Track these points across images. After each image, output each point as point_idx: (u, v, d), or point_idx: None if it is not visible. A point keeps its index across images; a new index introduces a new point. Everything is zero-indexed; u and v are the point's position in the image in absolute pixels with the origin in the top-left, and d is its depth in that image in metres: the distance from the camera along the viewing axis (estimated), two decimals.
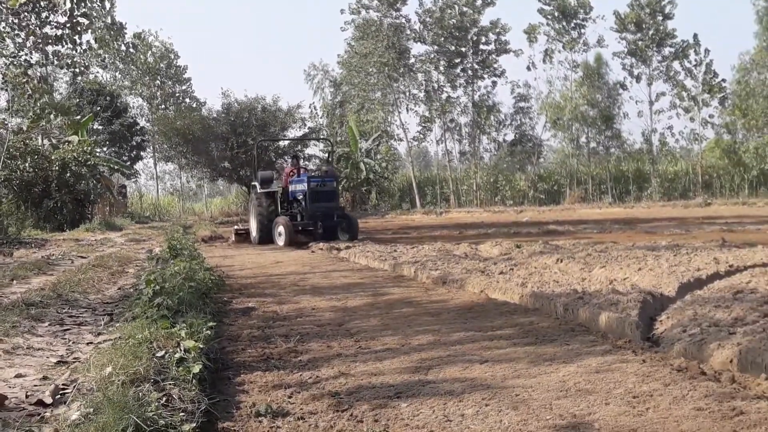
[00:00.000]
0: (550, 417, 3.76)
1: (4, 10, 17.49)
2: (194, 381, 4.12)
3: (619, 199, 46.88)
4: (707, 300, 6.40)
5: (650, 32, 47.89)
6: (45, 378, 4.42)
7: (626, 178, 49.16)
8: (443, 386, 4.40)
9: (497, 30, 49.82)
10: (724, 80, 47.04)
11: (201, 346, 4.78)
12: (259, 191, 19.70)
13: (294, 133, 49.00)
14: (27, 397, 3.97)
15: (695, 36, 47.82)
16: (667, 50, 48.26)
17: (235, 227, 22.55)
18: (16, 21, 18.35)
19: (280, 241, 18.11)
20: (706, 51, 47.09)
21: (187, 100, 53.89)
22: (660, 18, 47.68)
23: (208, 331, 5.30)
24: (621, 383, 4.31)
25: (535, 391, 4.23)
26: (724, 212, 29.97)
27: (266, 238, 18.93)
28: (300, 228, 18.67)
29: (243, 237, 20.71)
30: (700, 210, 33.60)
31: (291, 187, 19.51)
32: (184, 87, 54.49)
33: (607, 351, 5.15)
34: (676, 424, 3.59)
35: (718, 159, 47.61)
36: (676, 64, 48.17)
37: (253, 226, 19.98)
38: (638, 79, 49.14)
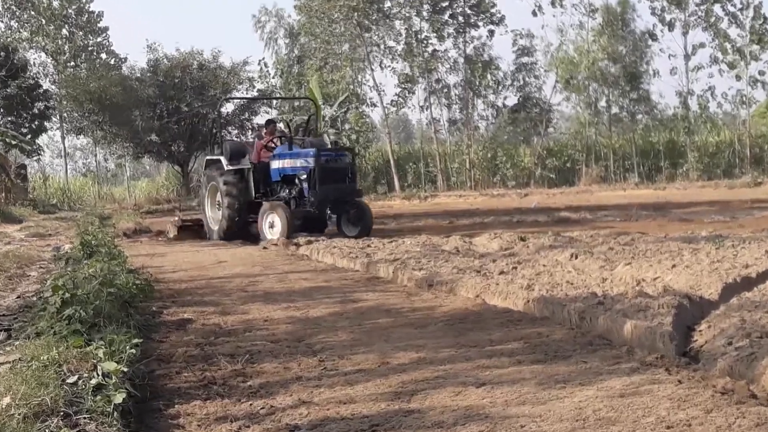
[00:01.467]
0: None
1: None
2: (116, 414, 4.09)
3: (647, 178, 47.07)
4: (758, 304, 6.44)
5: None
6: None
7: (657, 151, 49.37)
8: (431, 416, 4.41)
9: None
10: None
11: (124, 369, 4.75)
12: (226, 168, 18.47)
13: (239, 96, 48.74)
14: None
15: None
16: None
17: (178, 217, 21.73)
18: None
19: (272, 234, 16.93)
20: None
21: (104, 55, 53.22)
22: None
23: (133, 350, 5.28)
24: (651, 410, 4.33)
25: (545, 421, 4.25)
26: None
27: (237, 231, 18.20)
28: (300, 217, 17.77)
29: (191, 231, 19.88)
30: (748, 191, 33.84)
31: (277, 163, 18.28)
32: (99, 39, 53.74)
33: (634, 369, 5.17)
34: None
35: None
36: (717, 8, 48.37)
37: (211, 217, 19.22)
38: (671, 27, 49.28)
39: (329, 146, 20.36)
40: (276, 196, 18.02)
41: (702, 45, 48.88)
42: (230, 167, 18.36)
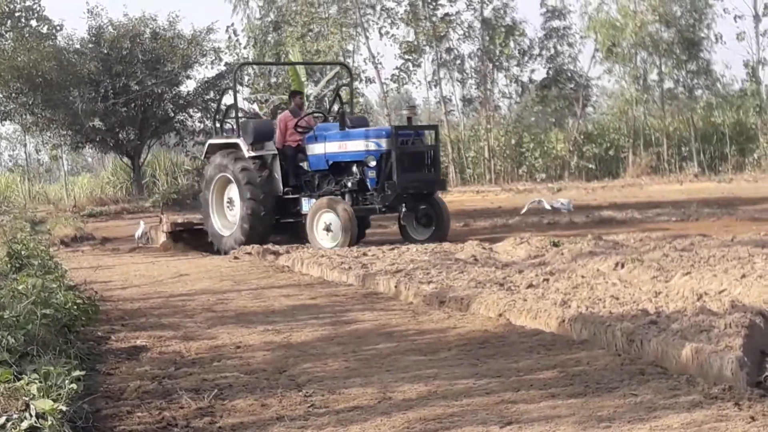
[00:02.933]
0: None
1: None
2: None
3: (710, 168, 47.10)
4: None
5: None
6: None
7: (721, 135, 49.32)
8: None
9: None
10: None
11: (63, 408, 4.74)
12: (248, 154, 17.07)
13: (203, 72, 48.79)
14: None
15: None
16: None
17: (163, 219, 20.20)
18: None
19: (329, 241, 15.78)
20: None
21: (34, 23, 53.26)
22: None
23: (74, 385, 5.27)
24: None
25: None
26: None
27: (263, 235, 16.86)
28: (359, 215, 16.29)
29: (185, 237, 18.79)
30: None
31: (320, 147, 16.91)
32: (28, 2, 53.91)
33: (696, 404, 5.17)
34: None
35: None
36: None
37: (218, 220, 17.91)
38: None
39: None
40: (320, 191, 16.77)
41: None
42: (252, 153, 17.01)
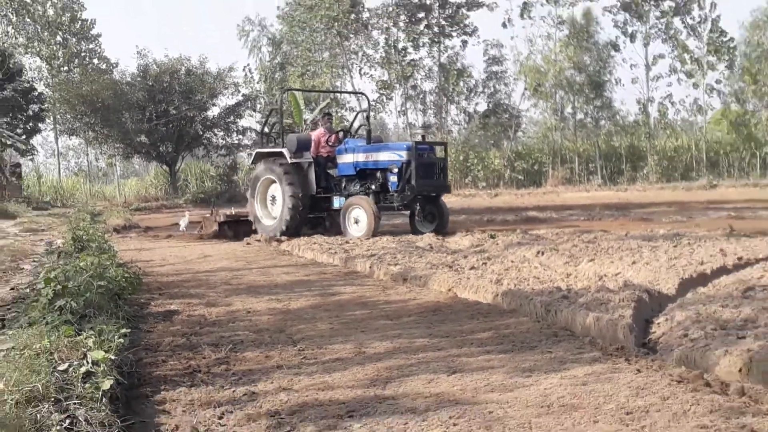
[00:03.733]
0: None
1: None
2: (104, 399, 4.05)
3: (610, 180, 47.33)
4: (712, 298, 6.47)
5: None
6: None
7: (618, 155, 49.57)
8: (404, 402, 4.40)
9: None
10: (732, 40, 47.68)
11: (113, 357, 4.71)
12: (290, 161, 16.60)
13: (225, 101, 48.70)
14: None
15: None
16: (666, 4, 48.76)
17: (213, 212, 19.74)
18: None
19: (357, 231, 15.28)
20: (713, 5, 47.74)
21: (96, 60, 53.05)
22: None
23: (122, 340, 5.24)
24: (612, 397, 4.35)
25: (512, 407, 4.25)
26: (732, 196, 30.44)
27: (299, 227, 16.57)
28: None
29: (230, 228, 18.15)
30: (704, 193, 34.08)
31: (349, 157, 16.51)
32: (91, 45, 53.60)
33: (596, 359, 5.19)
34: None
35: (725, 133, 48.34)
36: (677, 21, 48.71)
37: (261, 214, 17.47)
38: (633, 38, 49.59)
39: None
40: (347, 191, 16.46)
41: (662, 56, 49.32)
42: (293, 160, 16.66)
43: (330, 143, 17.00)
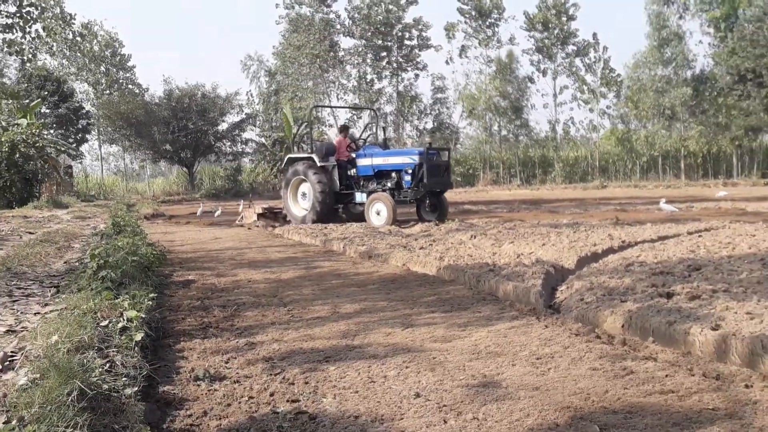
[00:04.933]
0: (463, 377, 3.81)
1: None
2: (136, 348, 4.05)
3: (526, 181, 47.66)
4: (602, 271, 6.55)
5: (555, 31, 48.69)
6: None
7: (533, 162, 49.89)
8: (368, 350, 4.42)
9: (419, 27, 50.03)
10: (619, 75, 48.24)
11: (143, 315, 4.69)
12: (319, 164, 16.10)
13: (231, 118, 48.58)
14: None
15: (595, 35, 49.26)
16: (570, 48, 49.16)
17: (248, 203, 18.89)
18: None
19: (378, 220, 14.69)
20: (604, 49, 48.33)
21: (131, 86, 52.65)
22: (564, 18, 48.48)
23: (150, 302, 5.21)
24: (526, 346, 4.39)
25: (451, 353, 4.28)
26: (618, 194, 30.77)
27: (326, 217, 16.06)
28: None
29: (266, 218, 17.50)
30: (597, 192, 34.40)
31: (367, 161, 15.98)
32: (128, 74, 53.19)
33: (514, 317, 5.23)
34: (574, 382, 3.67)
35: (613, 146, 48.81)
36: (577, 61, 49.17)
37: (293, 207, 16.83)
38: (544, 73, 49.98)
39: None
40: (367, 189, 15.96)
41: (566, 87, 49.77)
42: (321, 163, 16.18)
43: (350, 150, 16.70)
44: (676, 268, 6.35)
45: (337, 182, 16.15)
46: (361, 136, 19.65)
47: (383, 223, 14.36)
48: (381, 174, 15.78)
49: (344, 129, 17.36)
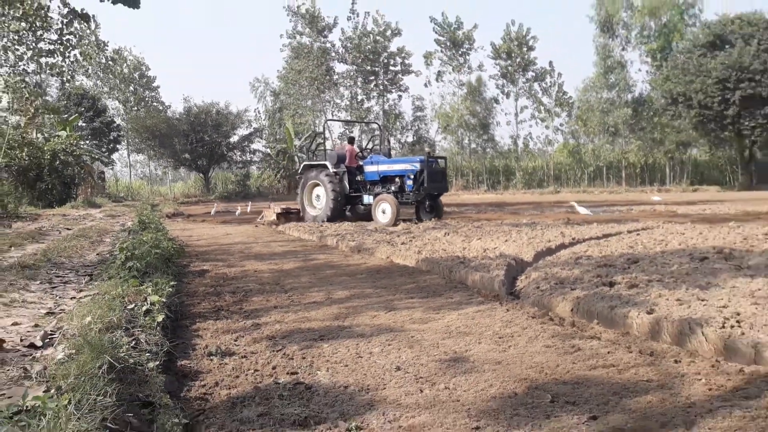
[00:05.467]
0: (437, 353, 3.82)
1: (6, 28, 16.93)
2: (158, 328, 4.03)
3: (492, 187, 47.69)
4: (555, 264, 6.58)
5: (517, 60, 48.81)
6: (36, 326, 4.27)
7: (497, 171, 49.92)
8: (356, 330, 4.42)
9: (402, 55, 49.99)
10: (571, 97, 48.42)
11: (164, 300, 4.67)
12: (332, 171, 15.74)
13: (241, 132, 48.49)
14: (21, 341, 3.84)
15: (551, 63, 49.27)
16: (529, 74, 49.23)
17: (269, 205, 18.32)
18: (16, 37, 17.98)
19: (384, 218, 14.34)
20: (559, 75, 48.43)
21: (155, 103, 52.39)
22: (525, 49, 48.65)
23: (170, 289, 5.19)
24: (490, 327, 4.41)
25: (426, 333, 4.29)
26: (569, 198, 30.85)
27: (339, 216, 15.81)
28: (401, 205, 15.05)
29: (284, 217, 16.94)
30: (551, 196, 34.54)
31: (374, 168, 15.68)
32: (153, 93, 52.91)
33: (481, 302, 5.25)
34: (530, 358, 3.69)
35: (565, 158, 48.99)
36: (536, 85, 49.24)
37: (308, 208, 16.37)
38: (508, 95, 50.03)
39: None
40: (373, 192, 15.62)
41: (526, 107, 49.78)
42: (333, 170, 15.83)
43: (359, 158, 16.45)
44: (617, 261, 6.40)
45: (347, 186, 15.88)
46: (366, 146, 19.42)
47: (388, 220, 14.14)
48: (386, 179, 15.54)
49: (351, 140, 17.11)
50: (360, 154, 16.77)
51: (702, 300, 4.44)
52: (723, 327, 3.75)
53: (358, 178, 16.06)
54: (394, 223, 13.85)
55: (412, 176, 14.97)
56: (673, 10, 45.28)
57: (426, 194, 14.90)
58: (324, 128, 18.10)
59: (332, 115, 51.42)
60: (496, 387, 3.19)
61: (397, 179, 15.34)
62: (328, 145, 18.87)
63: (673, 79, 38.02)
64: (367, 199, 15.64)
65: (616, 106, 45.46)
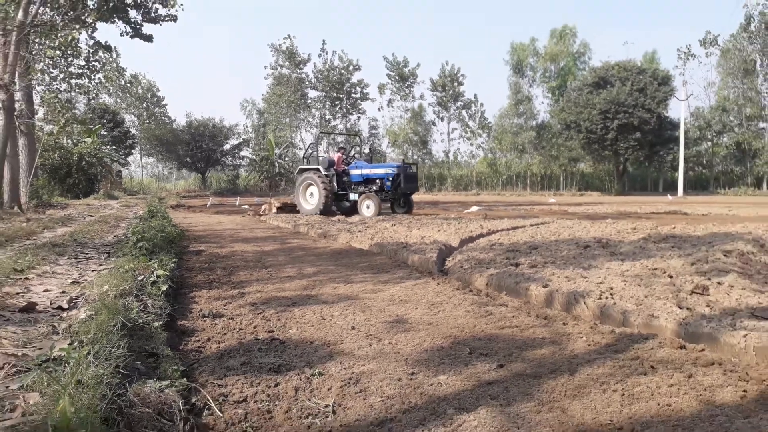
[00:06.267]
0: (383, 316, 3.83)
1: (43, 55, 16.48)
2: (162, 295, 3.94)
3: (429, 190, 47.96)
4: (475, 249, 6.66)
5: (450, 92, 49.27)
6: (63, 292, 4.12)
7: (434, 177, 50.21)
8: (321, 298, 4.40)
9: (361, 85, 49.95)
10: (490, 122, 49.16)
11: (167, 273, 4.57)
12: (323, 173, 15.18)
13: (233, 141, 47.63)
14: (51, 304, 3.71)
15: (475, 95, 50.67)
16: (459, 103, 49.82)
17: (270, 200, 17.50)
18: (51, 62, 17.82)
19: (368, 212, 13.90)
20: (481, 104, 49.44)
21: (163, 117, 51.15)
22: (456, 84, 49.12)
23: (172, 264, 5.08)
24: (425, 296, 4.44)
25: (376, 301, 4.30)
26: (487, 199, 31.33)
27: (328, 210, 15.08)
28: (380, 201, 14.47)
29: (283, 210, 16.12)
30: (474, 197, 34.92)
31: (358, 171, 15.21)
32: (161, 109, 51.62)
33: (418, 278, 5.28)
34: (454, 320, 3.74)
35: (484, 168, 49.63)
36: (463, 112, 49.88)
37: (303, 204, 15.52)
38: (442, 119, 50.55)
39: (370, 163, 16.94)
40: (359, 191, 15.07)
41: (455, 128, 50.36)
42: (324, 173, 15.27)
43: (345, 163, 15.99)
44: (521, 248, 6.51)
45: (336, 186, 15.44)
46: (351, 154, 19.10)
47: (372, 214, 13.81)
48: (368, 180, 15.14)
49: (341, 149, 16.74)
50: (346, 159, 16.39)
51: (584, 278, 4.55)
52: (600, 298, 3.85)
53: (344, 179, 15.69)
54: (377, 214, 13.53)
55: (390, 179, 14.68)
56: (568, 57, 46.41)
57: (402, 193, 14.66)
58: (317, 140, 17.90)
59: (305, 131, 50.99)
60: (427, 342, 3.23)
61: (378, 181, 14.99)
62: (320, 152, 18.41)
63: (567, 110, 38.93)
64: (353, 196, 15.28)
65: (523, 130, 46.45)
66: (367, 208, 14.16)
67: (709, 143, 43.92)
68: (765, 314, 3.31)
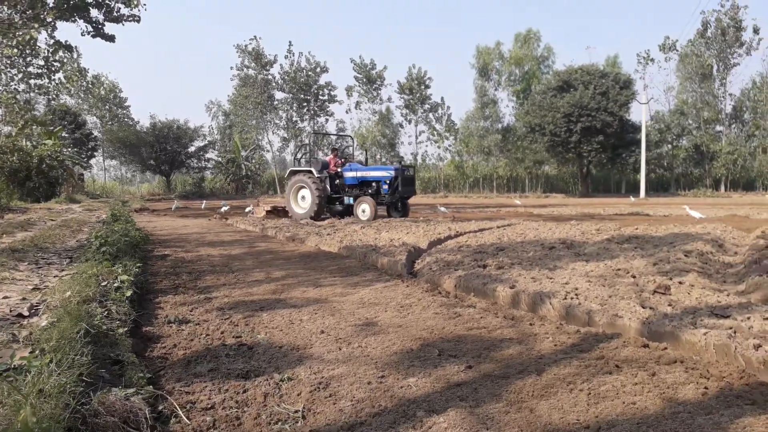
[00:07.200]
0: (353, 319, 3.83)
1: (0, 54, 15.94)
2: (126, 301, 3.85)
3: None
4: (443, 251, 6.72)
5: (417, 95, 49.54)
6: (24, 299, 3.98)
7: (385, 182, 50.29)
8: (290, 302, 4.37)
9: (329, 87, 49.71)
10: (456, 125, 49.65)
11: (131, 278, 4.46)
12: (316, 176, 14.48)
13: (198, 143, 46.89)
14: (11, 311, 3.58)
15: (442, 98, 50.43)
16: (426, 106, 50.11)
17: (258, 202, 16.50)
18: (8, 62, 17.22)
19: (364, 215, 13.41)
20: (448, 107, 50.10)
21: (126, 119, 49.99)
22: (423, 87, 49.46)
23: (137, 269, 4.97)
24: (394, 299, 4.45)
25: (345, 304, 4.29)
26: (455, 201, 31.59)
27: (321, 214, 14.46)
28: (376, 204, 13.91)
29: (273, 214, 15.62)
30: (442, 199, 35.15)
31: (352, 173, 14.64)
32: (124, 110, 50.44)
33: (387, 280, 5.29)
34: (423, 322, 3.76)
35: (452, 171, 50.07)
36: (431, 115, 50.19)
37: (294, 207, 14.86)
38: (410, 122, 50.68)
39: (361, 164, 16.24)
40: (353, 194, 14.50)
41: (423, 131, 50.59)
42: (317, 175, 14.57)
43: (338, 165, 15.31)
44: (488, 249, 6.59)
45: (329, 189, 14.88)
46: (345, 156, 18.38)
47: (368, 217, 13.37)
48: (363, 183, 14.61)
49: (334, 150, 16.12)
50: (339, 162, 15.78)
51: (550, 278, 4.64)
52: (565, 298, 3.93)
53: (337, 182, 15.17)
54: (373, 218, 13.14)
55: (387, 181, 14.20)
56: (532, 61, 47.25)
57: (399, 197, 14.19)
58: (310, 140, 17.31)
59: (272, 133, 50.56)
60: (397, 345, 3.24)
61: (374, 184, 14.50)
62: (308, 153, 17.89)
63: (531, 113, 39.61)
64: (347, 200, 14.74)
65: (489, 133, 47.03)
66: (363, 212, 13.73)
67: (670, 146, 45.29)
68: (724, 312, 3.44)
